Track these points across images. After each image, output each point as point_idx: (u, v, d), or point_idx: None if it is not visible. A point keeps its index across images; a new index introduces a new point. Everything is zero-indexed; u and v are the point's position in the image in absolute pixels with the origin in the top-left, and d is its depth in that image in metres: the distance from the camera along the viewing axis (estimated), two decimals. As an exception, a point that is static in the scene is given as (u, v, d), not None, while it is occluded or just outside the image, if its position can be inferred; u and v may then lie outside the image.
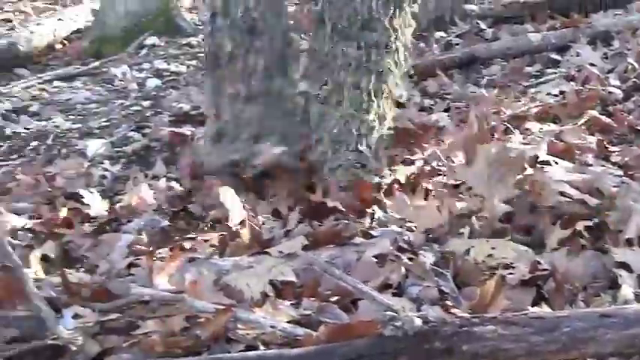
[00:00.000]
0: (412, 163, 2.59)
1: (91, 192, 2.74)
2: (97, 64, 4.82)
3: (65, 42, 5.40)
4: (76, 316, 1.73)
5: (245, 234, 2.07)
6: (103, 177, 3.07)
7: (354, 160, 2.41)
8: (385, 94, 2.45)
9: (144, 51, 4.98)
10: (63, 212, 2.53)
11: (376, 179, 2.37)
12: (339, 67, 2.38)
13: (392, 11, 2.39)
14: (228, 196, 2.23)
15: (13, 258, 1.74)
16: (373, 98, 2.42)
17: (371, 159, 2.42)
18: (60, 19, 5.47)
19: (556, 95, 3.15)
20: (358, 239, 2.01)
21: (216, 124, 2.64)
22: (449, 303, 1.68)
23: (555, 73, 3.50)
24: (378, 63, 2.40)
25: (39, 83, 4.52)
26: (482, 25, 4.37)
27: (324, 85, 2.42)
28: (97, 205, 2.65)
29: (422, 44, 4.09)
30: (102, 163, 3.23)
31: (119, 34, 4.99)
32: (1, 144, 3.69)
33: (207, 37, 2.63)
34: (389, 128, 2.48)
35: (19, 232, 2.42)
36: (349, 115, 2.38)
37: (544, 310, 1.62)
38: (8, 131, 3.80)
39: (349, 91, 2.38)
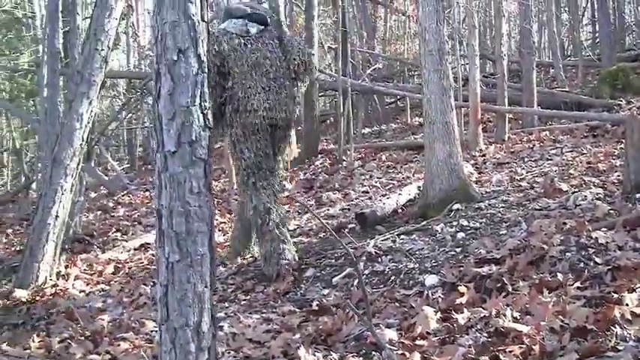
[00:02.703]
0: (634, 290, 2.92)
1: (426, 309, 3.27)
2: (424, 223, 5.46)
3: (403, 208, 6.32)
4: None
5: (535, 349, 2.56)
6: (436, 301, 3.61)
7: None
8: None
9: (452, 213, 5.55)
10: (418, 330, 3.09)
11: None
12: None
13: None
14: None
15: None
16: None
17: None
18: (400, 194, 6.55)
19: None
20: (610, 353, 2.32)
21: None
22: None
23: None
24: None
25: (391, 236, 5.19)
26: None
27: None
28: (432, 319, 3.16)
29: (629, 204, 4.63)
30: (436, 291, 3.79)
31: (437, 202, 5.75)
32: (374, 278, 4.42)
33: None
34: None
35: (394, 342, 3.06)
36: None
37: None
38: (379, 268, 4.51)
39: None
